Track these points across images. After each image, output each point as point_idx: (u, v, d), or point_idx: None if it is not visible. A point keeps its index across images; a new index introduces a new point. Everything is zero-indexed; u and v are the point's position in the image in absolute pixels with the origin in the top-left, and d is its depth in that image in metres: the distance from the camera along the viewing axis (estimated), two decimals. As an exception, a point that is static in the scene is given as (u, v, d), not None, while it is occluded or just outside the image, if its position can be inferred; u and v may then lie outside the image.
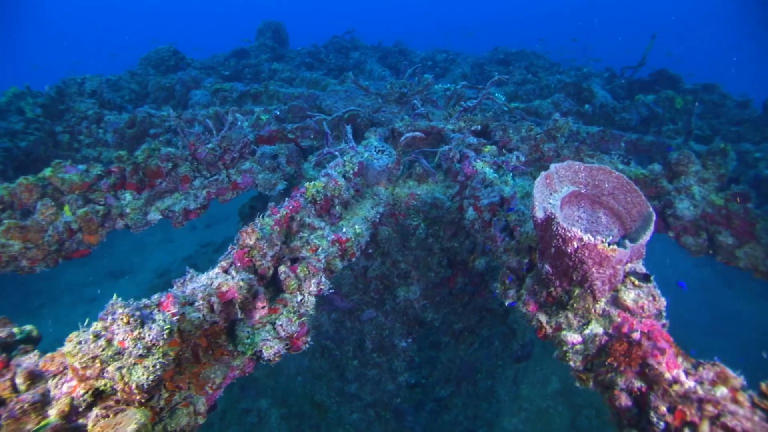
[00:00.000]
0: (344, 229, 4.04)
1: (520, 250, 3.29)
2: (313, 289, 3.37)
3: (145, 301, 2.32)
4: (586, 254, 2.44)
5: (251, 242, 3.24)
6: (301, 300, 3.29)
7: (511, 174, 4.10)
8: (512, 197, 3.73)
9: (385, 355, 5.80)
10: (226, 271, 3.04)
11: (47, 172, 4.25)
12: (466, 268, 5.10)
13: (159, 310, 2.27)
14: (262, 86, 6.93)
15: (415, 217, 4.85)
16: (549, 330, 2.75)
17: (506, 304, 3.19)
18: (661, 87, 9.03)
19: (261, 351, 2.82)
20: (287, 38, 10.39)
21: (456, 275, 5.19)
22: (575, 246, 2.45)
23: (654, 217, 2.84)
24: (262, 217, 3.54)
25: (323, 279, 3.45)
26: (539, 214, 2.77)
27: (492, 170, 4.24)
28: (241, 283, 2.92)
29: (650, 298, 2.49)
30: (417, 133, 4.44)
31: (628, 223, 3.07)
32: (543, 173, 3.01)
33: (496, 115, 5.55)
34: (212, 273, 2.99)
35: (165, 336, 2.13)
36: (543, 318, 2.77)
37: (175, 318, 2.27)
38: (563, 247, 2.52)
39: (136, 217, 4.41)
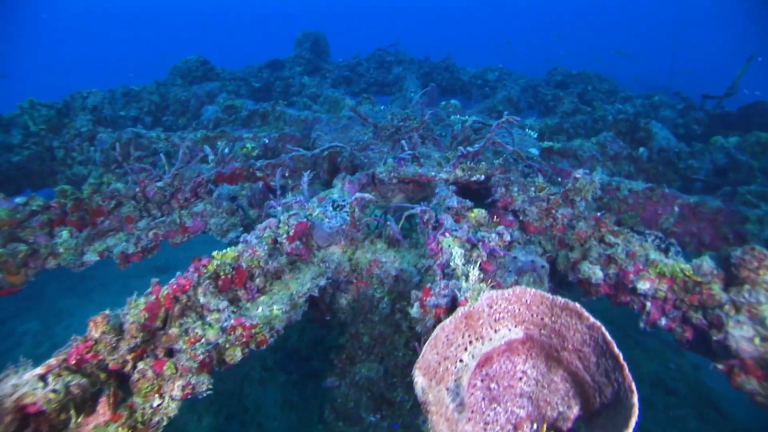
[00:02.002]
0: (258, 309, 3.12)
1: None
2: (177, 393, 2.50)
3: None
4: None
5: (96, 335, 2.43)
6: (158, 406, 2.45)
7: (478, 264, 2.89)
8: (463, 303, 2.55)
9: (352, 427, 4.80)
10: (42, 377, 2.24)
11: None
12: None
13: None
14: (270, 106, 6.18)
15: (379, 289, 3.78)
16: None
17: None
18: (757, 124, 6.94)
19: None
20: (328, 49, 9.55)
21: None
22: None
23: (635, 413, 1.61)
24: (136, 297, 2.72)
25: (196, 380, 2.58)
26: (418, 389, 1.66)
27: (462, 252, 3.04)
28: (51, 395, 2.13)
29: None
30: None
31: (594, 402, 1.81)
32: (462, 310, 1.85)
33: (508, 163, 4.25)
34: (27, 375, 2.22)
35: None
36: None
37: None
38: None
39: (70, 258, 3.81)
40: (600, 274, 3.49)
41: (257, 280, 3.25)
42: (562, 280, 4.14)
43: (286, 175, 4.47)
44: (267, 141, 4.98)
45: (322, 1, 71.44)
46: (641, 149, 5.81)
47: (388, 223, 3.67)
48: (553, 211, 3.73)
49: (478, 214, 3.44)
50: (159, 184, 4.00)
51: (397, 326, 3.93)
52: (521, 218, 3.82)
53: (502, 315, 1.89)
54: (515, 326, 1.90)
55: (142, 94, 7.14)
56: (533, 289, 1.90)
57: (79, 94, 6.09)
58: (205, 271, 2.95)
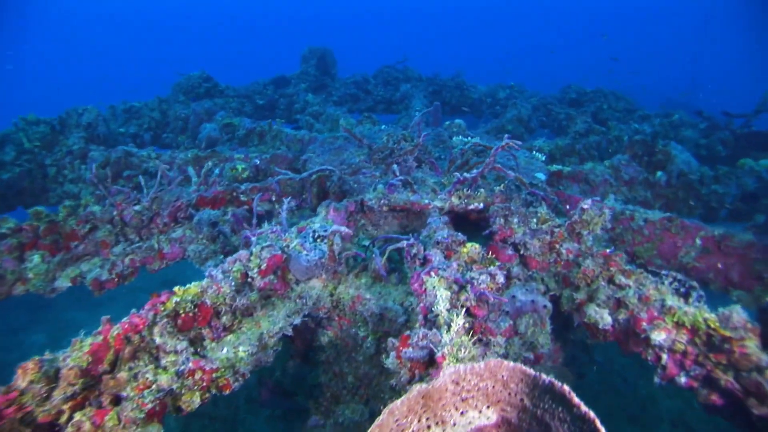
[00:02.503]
0: (223, 351, 2.80)
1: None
2: (120, 447, 2.20)
3: None
4: None
5: (23, 384, 2.14)
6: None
7: (463, 311, 2.51)
8: (440, 361, 2.17)
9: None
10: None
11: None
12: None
13: None
14: (267, 125, 5.94)
15: (362, 327, 3.42)
16: None
17: None
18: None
19: None
20: (335, 66, 9.32)
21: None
22: None
23: None
24: (82, 338, 2.44)
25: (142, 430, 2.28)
26: None
27: (448, 294, 2.67)
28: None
29: None
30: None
31: None
32: (419, 388, 1.48)
33: (509, 190, 3.86)
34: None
35: None
36: None
37: None
38: None
39: (39, 284, 3.57)
40: (608, 319, 3.06)
41: (224, 318, 2.93)
42: (568, 320, 3.71)
43: (273, 199, 4.18)
44: (258, 162, 4.71)
45: (335, 16, 71.07)
46: (659, 173, 5.34)
47: (374, 256, 3.32)
48: (557, 246, 3.32)
49: (471, 249, 3.06)
50: (136, 207, 3.75)
51: (382, 367, 3.54)
52: (522, 252, 3.42)
53: (471, 393, 1.51)
54: (487, 407, 1.52)
55: (143, 111, 7.02)
56: (511, 363, 1.52)
57: (75, 110, 5.97)
58: (162, 308, 2.65)
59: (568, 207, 4.35)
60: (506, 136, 3.49)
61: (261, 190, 4.14)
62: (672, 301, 2.80)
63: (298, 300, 3.29)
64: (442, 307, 2.55)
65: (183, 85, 7.60)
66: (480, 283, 2.69)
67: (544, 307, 3.31)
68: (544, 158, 4.97)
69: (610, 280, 3.08)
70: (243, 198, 4.10)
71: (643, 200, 5.30)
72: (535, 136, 7.82)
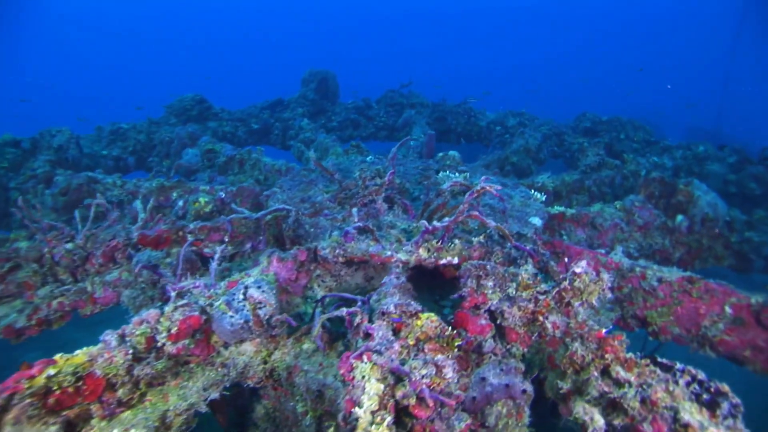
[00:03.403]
0: (109, 438, 2.21)
1: None
2: None
3: None
4: None
5: None
6: None
7: (388, 418, 1.85)
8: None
9: None
10: None
11: None
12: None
13: None
14: (246, 152, 5.46)
15: (301, 403, 2.78)
16: None
17: None
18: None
19: None
20: (337, 90, 8.84)
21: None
22: None
23: None
24: None
25: None
26: None
27: (381, 389, 2.01)
28: None
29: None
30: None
31: None
32: None
33: (491, 242, 3.17)
34: None
35: None
36: None
37: None
38: None
39: (-51, 331, 3.11)
40: (601, 422, 2.31)
41: (120, 391, 2.35)
42: (555, 406, 2.96)
43: (226, 240, 3.63)
44: (223, 195, 4.20)
45: (349, 35, 69.37)
46: (679, 217, 4.53)
47: (313, 323, 2.69)
48: (542, 318, 2.61)
49: (427, 322, 2.40)
50: (68, 246, 3.26)
51: (326, 453, 2.89)
52: (499, 321, 2.72)
53: None
54: None
55: (129, 133, 6.69)
56: None
57: (48, 132, 5.67)
58: (27, 386, 2.09)
59: (566, 260, 3.62)
60: (483, 178, 2.84)
61: (211, 230, 3.60)
62: (690, 413, 2.04)
63: (220, 368, 2.69)
64: (366, 406, 1.91)
65: (175, 107, 7.28)
66: (423, 377, 2.02)
67: (523, 392, 2.59)
68: (544, 198, 4.26)
69: (605, 371, 2.34)
70: (191, 238, 3.57)
71: (661, 248, 4.49)
72: (546, 167, 7.09)
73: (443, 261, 3.03)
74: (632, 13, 56.53)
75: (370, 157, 5.10)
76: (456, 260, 3.04)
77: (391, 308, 2.40)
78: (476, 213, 2.91)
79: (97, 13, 58.78)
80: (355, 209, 3.11)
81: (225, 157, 5.56)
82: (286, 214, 3.50)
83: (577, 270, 2.54)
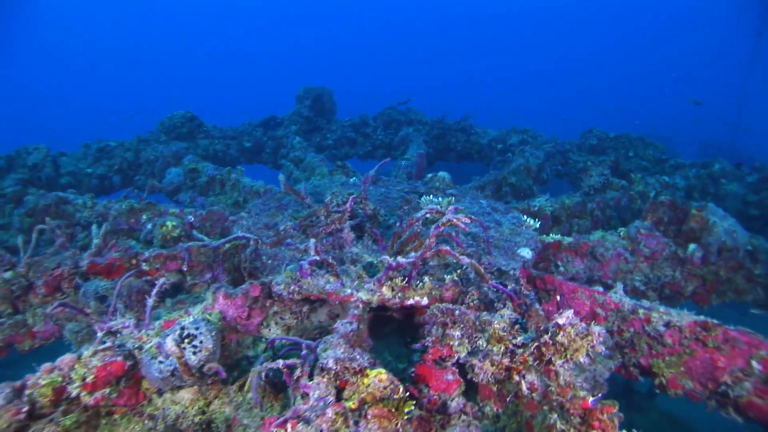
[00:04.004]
0: None
1: None
2: None
3: None
4: None
5: None
6: None
7: None
8: None
9: None
10: None
11: None
12: None
13: None
14: (226, 172, 5.17)
15: (240, 465, 2.37)
16: None
17: None
18: None
19: None
20: (333, 107, 8.51)
21: None
22: None
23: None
24: None
25: None
26: None
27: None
28: None
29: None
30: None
31: None
32: None
33: (467, 280, 2.74)
34: None
35: None
36: None
37: None
38: None
39: None
40: None
41: (19, 459, 1.98)
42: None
43: (184, 269, 3.29)
44: (192, 219, 3.88)
45: (350, 51, 67.31)
46: (692, 246, 4.03)
47: (252, 377, 2.30)
48: (518, 376, 2.17)
49: (375, 381, 1.99)
50: (5, 275, 2.97)
51: None
52: (469, 375, 2.29)
53: None
54: None
55: (116, 151, 6.49)
56: None
57: (25, 149, 5.49)
58: None
59: (558, 298, 3.16)
60: (451, 208, 2.43)
61: (167, 258, 3.27)
62: None
63: (148, 421, 2.31)
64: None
65: (165, 124, 7.08)
66: (354, 463, 1.61)
67: (497, 465, 2.15)
68: (538, 225, 3.81)
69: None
70: (145, 267, 3.24)
71: (671, 281, 3.98)
72: (549, 188, 6.62)
73: (410, 301, 2.61)
74: (642, 21, 54.90)
75: (353, 178, 4.75)
76: (425, 301, 2.62)
77: (330, 363, 2.00)
78: (446, 248, 2.49)
79: (91, 22, 57.97)
80: (312, 240, 2.73)
81: (207, 176, 5.29)
82: (244, 243, 3.15)
83: (561, 321, 2.09)
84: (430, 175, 4.70)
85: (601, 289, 3.07)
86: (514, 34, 63.98)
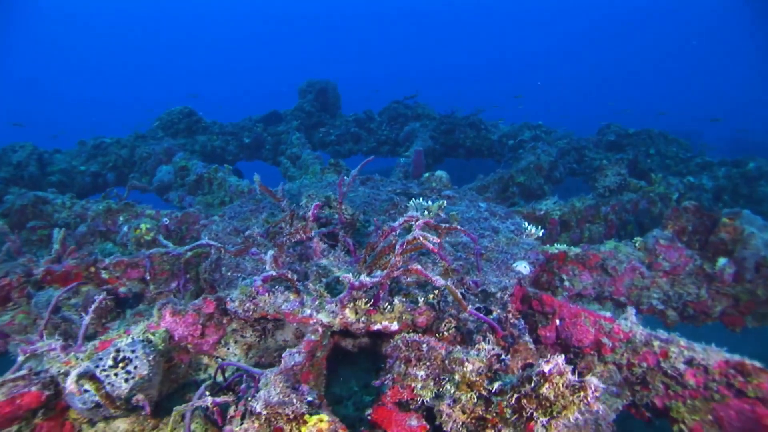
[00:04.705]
0: None
1: None
2: None
3: None
4: None
5: None
6: None
7: None
8: None
9: None
10: None
11: None
12: None
13: None
14: (213, 170, 4.87)
15: None
16: None
17: None
18: None
19: None
20: (337, 101, 8.08)
21: None
22: None
23: None
24: None
25: None
26: None
27: None
28: None
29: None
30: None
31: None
32: None
33: (444, 303, 2.33)
34: None
35: None
36: None
37: None
38: None
39: None
40: None
41: None
42: None
43: (147, 278, 2.99)
44: (167, 221, 3.60)
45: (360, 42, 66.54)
46: (722, 261, 3.48)
47: (186, 413, 1.97)
48: (493, 430, 1.76)
49: (312, 431, 1.62)
50: (-47, 284, 2.73)
51: None
52: (437, 421, 1.89)
53: None
54: None
55: (111, 148, 6.29)
56: None
57: (11, 147, 5.33)
58: None
59: (558, 323, 2.71)
60: (418, 222, 2.03)
61: (128, 266, 2.98)
62: None
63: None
64: None
65: (163, 120, 6.85)
66: None
67: None
68: (541, 233, 3.35)
69: None
70: (105, 275, 2.96)
71: (695, 300, 3.45)
72: (563, 188, 6.08)
73: (377, 327, 2.23)
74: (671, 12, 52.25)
75: (346, 178, 4.36)
76: (395, 326, 2.24)
77: (259, 408, 1.64)
78: (417, 267, 2.09)
79: (92, 13, 57.64)
80: (270, 252, 2.37)
81: (195, 175, 5.01)
82: (207, 251, 2.82)
83: (546, 369, 1.66)
84: (426, 175, 4.28)
85: (609, 314, 2.59)
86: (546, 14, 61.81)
